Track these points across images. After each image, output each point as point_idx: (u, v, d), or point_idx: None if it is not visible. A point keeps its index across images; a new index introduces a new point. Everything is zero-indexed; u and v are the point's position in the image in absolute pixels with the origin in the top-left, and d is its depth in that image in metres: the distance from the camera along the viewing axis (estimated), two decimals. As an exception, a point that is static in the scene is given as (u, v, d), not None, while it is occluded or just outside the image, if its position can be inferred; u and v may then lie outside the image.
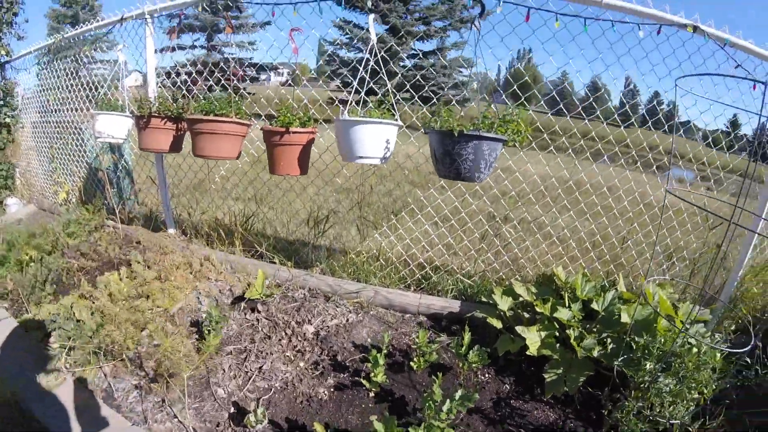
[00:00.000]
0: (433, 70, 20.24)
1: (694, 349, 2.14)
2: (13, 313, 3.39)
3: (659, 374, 2.13)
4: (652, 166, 3.67)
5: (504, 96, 3.58)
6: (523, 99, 3.33)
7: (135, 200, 5.25)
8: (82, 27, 4.53)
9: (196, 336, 2.90)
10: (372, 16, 2.96)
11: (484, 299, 3.18)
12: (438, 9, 24.69)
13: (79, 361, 2.74)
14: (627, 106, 3.69)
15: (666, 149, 3.64)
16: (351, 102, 2.72)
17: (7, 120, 5.76)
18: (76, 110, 5.13)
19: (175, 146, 3.35)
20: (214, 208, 4.61)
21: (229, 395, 2.57)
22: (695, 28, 2.72)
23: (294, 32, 3.15)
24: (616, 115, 3.59)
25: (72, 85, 5.12)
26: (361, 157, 2.56)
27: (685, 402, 2.08)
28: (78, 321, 2.89)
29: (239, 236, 3.89)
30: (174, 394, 2.53)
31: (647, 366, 2.17)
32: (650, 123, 3.67)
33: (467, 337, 2.68)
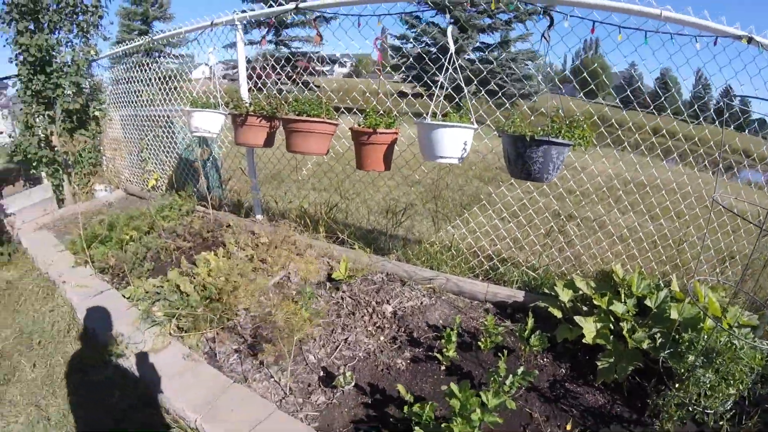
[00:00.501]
0: (498, 64, 20.24)
1: (734, 347, 2.27)
2: (115, 285, 3.82)
3: (700, 367, 2.29)
4: (719, 164, 3.65)
5: (573, 84, 3.71)
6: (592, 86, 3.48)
7: (222, 188, 5.74)
8: (171, 29, 4.90)
9: (288, 308, 3.25)
10: (450, 27, 3.24)
11: (546, 291, 3.40)
12: (502, 1, 24.46)
13: (184, 328, 3.14)
14: (696, 105, 3.75)
15: (734, 148, 3.64)
16: (432, 105, 3.02)
17: (97, 113, 6.33)
18: (163, 103, 5.65)
19: (268, 142, 3.75)
20: (297, 197, 4.95)
21: (318, 361, 2.94)
22: (750, 39, 2.79)
23: (377, 41, 3.47)
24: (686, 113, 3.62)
25: (156, 80, 5.63)
26: (441, 157, 2.87)
27: (721, 395, 2.24)
28: (182, 293, 3.29)
29: (323, 224, 4.26)
30: (270, 357, 2.90)
31: (689, 358, 2.35)
32: (718, 120, 3.46)
33: (530, 322, 2.94)
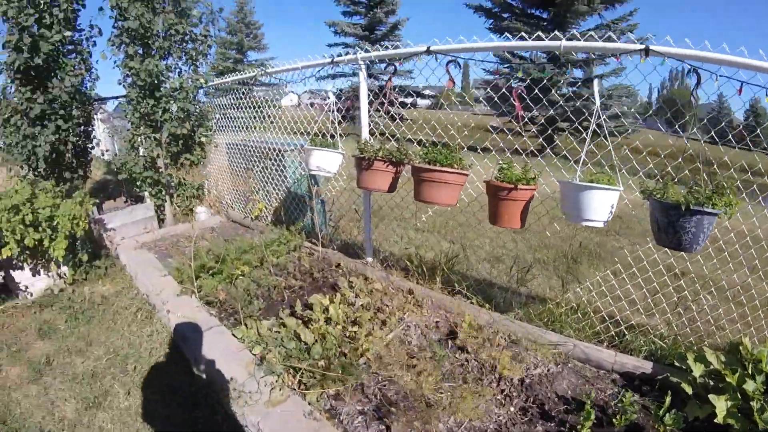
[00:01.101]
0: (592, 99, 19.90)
1: None
2: (224, 322, 3.74)
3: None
4: None
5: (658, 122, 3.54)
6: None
7: (327, 225, 5.73)
8: (284, 65, 4.97)
9: (412, 368, 3.10)
10: (597, 82, 3.03)
11: (675, 363, 3.18)
12: (596, 35, 24.25)
13: (305, 382, 3.02)
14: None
15: None
16: (581, 161, 2.84)
17: (203, 139, 6.48)
18: (268, 132, 5.74)
19: (392, 187, 3.66)
20: (401, 237, 4.85)
21: (449, 430, 2.75)
22: None
23: (450, 64, 3.34)
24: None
25: (255, 107, 5.72)
26: (588, 220, 2.77)
27: None
28: (300, 341, 3.19)
29: (440, 274, 4.10)
30: (398, 425, 2.74)
31: None
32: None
33: (668, 400, 2.73)
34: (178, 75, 6.17)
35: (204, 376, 3.21)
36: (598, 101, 2.93)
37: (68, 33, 5.58)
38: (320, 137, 4.15)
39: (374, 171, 3.54)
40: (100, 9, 5.73)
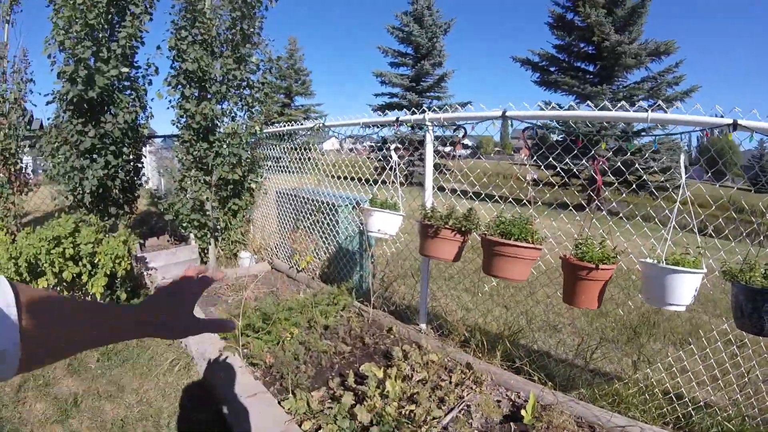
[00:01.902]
0: (640, 155, 19.83)
1: None
2: (267, 385, 3.51)
3: None
4: None
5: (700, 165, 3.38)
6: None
7: (380, 286, 5.54)
8: (346, 119, 4.93)
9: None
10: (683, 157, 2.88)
11: None
12: (643, 87, 24.56)
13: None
14: None
15: None
16: (665, 245, 2.66)
17: (252, 185, 6.45)
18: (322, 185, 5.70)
19: (458, 256, 3.50)
20: (454, 300, 4.68)
21: None
22: None
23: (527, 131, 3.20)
24: None
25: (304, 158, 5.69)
26: (671, 304, 2.61)
27: None
28: (355, 420, 2.99)
29: (501, 347, 3.90)
30: None
31: None
32: None
33: None
34: (233, 120, 6.19)
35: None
36: (684, 176, 2.75)
37: (125, 69, 5.65)
38: (376, 191, 4.05)
39: (441, 239, 3.39)
40: (158, 48, 5.83)
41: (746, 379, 3.79)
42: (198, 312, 4.76)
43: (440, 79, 32.26)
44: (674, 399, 3.45)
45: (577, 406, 3.33)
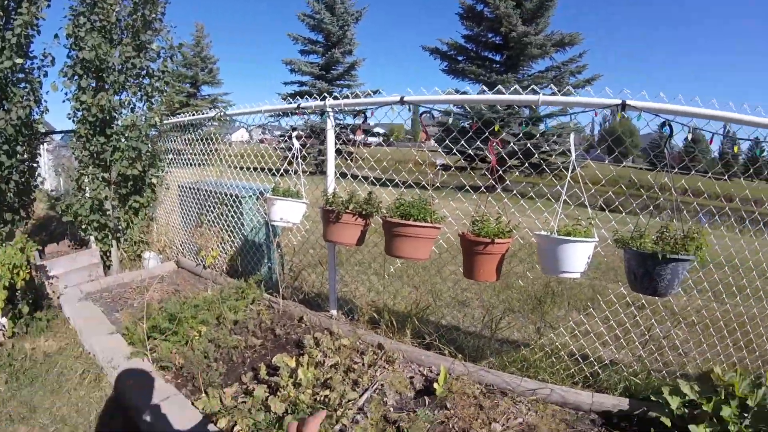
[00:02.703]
0: (543, 138, 20.65)
1: None
2: (179, 387, 3.42)
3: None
4: (760, 223, 3.62)
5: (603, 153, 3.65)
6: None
7: (288, 275, 5.44)
8: (247, 108, 4.78)
9: (392, 432, 2.91)
10: (573, 136, 3.03)
11: (652, 398, 3.24)
12: (547, 76, 25.84)
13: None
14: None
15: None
16: (557, 217, 2.78)
17: (154, 180, 6.12)
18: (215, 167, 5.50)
19: (361, 240, 3.51)
20: (365, 285, 4.69)
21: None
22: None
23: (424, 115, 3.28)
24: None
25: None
26: (565, 272, 2.75)
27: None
28: (270, 412, 2.94)
29: (411, 325, 3.94)
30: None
31: None
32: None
33: None
34: (132, 111, 5.83)
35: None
36: (574, 154, 2.90)
37: (19, 60, 5.13)
38: (279, 179, 3.98)
39: (343, 224, 3.37)
40: (56, 36, 5.34)
41: (647, 336, 4.08)
42: (102, 318, 4.52)
43: (350, 67, 32.25)
44: (580, 360, 3.66)
45: (488, 374, 3.46)
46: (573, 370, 3.63)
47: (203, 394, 3.20)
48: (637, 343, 3.95)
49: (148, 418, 3.08)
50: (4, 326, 4.34)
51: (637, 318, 3.99)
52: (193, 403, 3.14)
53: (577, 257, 2.69)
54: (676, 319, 4.47)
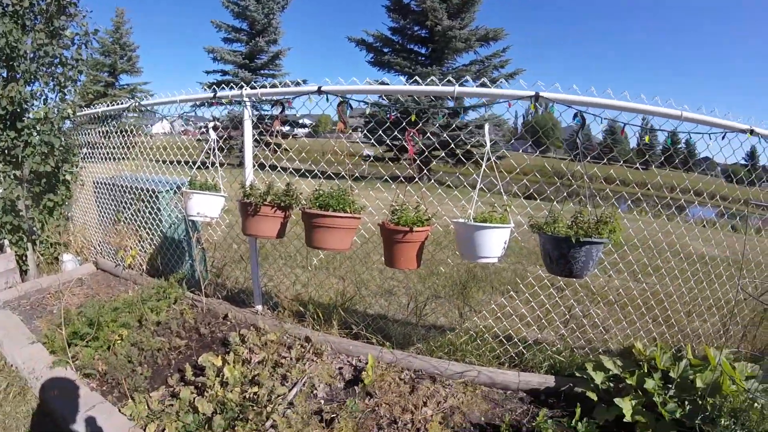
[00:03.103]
0: (467, 131, 20.96)
1: (755, 404, 2.66)
2: (108, 397, 3.26)
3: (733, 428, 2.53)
4: (672, 207, 3.80)
5: (528, 145, 3.88)
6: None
7: (211, 272, 5.30)
8: (162, 97, 4.58)
9: (323, 426, 2.90)
10: (488, 126, 3.07)
11: (577, 374, 3.39)
12: (471, 69, 26.48)
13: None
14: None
15: (685, 189, 3.80)
16: (474, 205, 2.83)
17: (68, 177, 5.79)
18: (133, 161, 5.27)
19: (281, 233, 3.46)
20: (284, 276, 4.63)
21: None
22: (752, 131, 3.22)
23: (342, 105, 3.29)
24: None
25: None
26: (482, 257, 2.82)
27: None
28: (198, 413, 2.87)
29: (337, 316, 3.93)
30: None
31: (722, 422, 2.60)
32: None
33: (578, 411, 2.92)
34: (44, 103, 5.47)
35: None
36: (488, 144, 2.97)
37: None
38: (197, 172, 3.86)
39: (261, 217, 3.30)
40: None
41: (568, 316, 4.25)
42: (22, 327, 4.28)
43: (275, 56, 31.52)
44: (505, 341, 3.79)
45: (416, 360, 3.52)
46: (498, 351, 3.74)
47: (130, 400, 3.09)
48: (558, 322, 4.10)
49: (76, 428, 2.95)
50: None
51: (557, 299, 4.13)
52: (120, 410, 3.03)
53: (494, 243, 2.75)
54: (595, 299, 4.72)
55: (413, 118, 3.15)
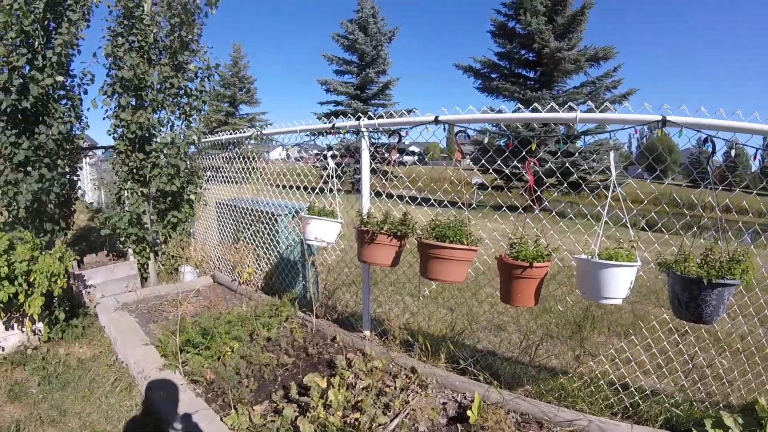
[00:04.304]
0: (581, 156, 20.30)
1: None
2: (212, 405, 3.38)
3: None
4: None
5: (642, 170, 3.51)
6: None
7: (322, 294, 5.46)
8: (282, 127, 4.85)
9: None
10: (613, 154, 2.96)
11: (694, 430, 3.08)
12: (582, 92, 25.25)
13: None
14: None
15: None
16: (598, 240, 2.69)
17: (192, 197, 6.24)
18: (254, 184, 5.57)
19: (395, 261, 3.47)
20: (399, 306, 4.63)
21: None
22: None
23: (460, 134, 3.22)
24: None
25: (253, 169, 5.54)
26: (606, 298, 2.62)
27: None
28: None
29: (445, 349, 3.87)
30: None
31: None
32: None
33: None
34: (170, 129, 6.01)
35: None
36: (614, 173, 2.79)
37: (60, 78, 5.31)
38: (315, 198, 3.99)
39: (377, 245, 3.34)
40: (94, 55, 5.53)
41: (690, 365, 3.91)
42: (137, 329, 4.59)
43: (385, 86, 32.34)
44: (620, 389, 3.51)
45: (524, 402, 3.34)
46: (612, 400, 3.49)
47: (233, 411, 3.18)
48: (680, 372, 3.78)
49: (176, 430, 3.09)
50: (40, 331, 4.49)
51: (681, 346, 3.81)
52: (221, 419, 3.13)
53: (620, 282, 2.57)
54: (720, 347, 4.31)
55: (533, 147, 3.07)
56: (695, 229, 2.96)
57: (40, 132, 5.22)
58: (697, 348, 3.86)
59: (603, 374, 3.73)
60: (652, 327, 3.76)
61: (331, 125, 4.04)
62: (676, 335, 3.73)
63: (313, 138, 4.73)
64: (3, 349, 4.32)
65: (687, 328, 4.04)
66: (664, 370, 3.78)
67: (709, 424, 2.98)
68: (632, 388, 3.50)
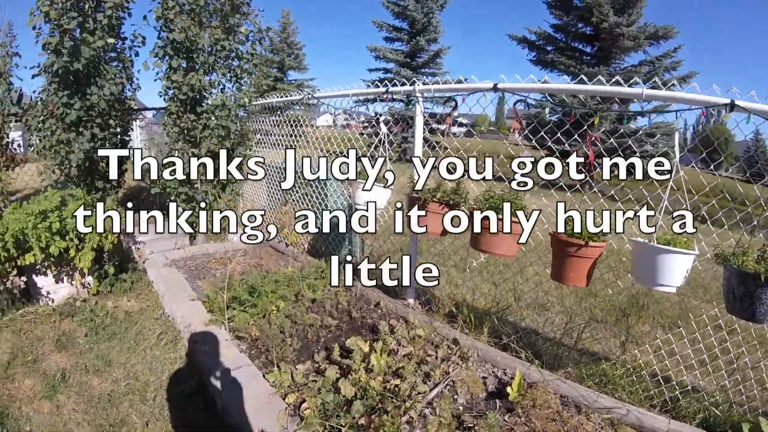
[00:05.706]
0: (635, 138, 19.63)
1: None
2: (252, 358, 3.49)
3: None
4: None
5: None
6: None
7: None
8: (335, 90, 4.86)
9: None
10: (677, 134, 2.83)
11: None
12: (640, 71, 24.05)
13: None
14: None
15: None
16: (657, 224, 2.62)
17: (241, 159, 6.32)
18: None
19: (446, 231, 3.43)
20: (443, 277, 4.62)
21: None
22: None
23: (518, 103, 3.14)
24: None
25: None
26: (661, 285, 2.57)
27: None
28: (340, 394, 2.94)
29: (488, 324, 3.87)
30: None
31: None
32: None
33: None
34: (221, 92, 6.09)
35: (229, 420, 2.98)
36: (678, 156, 2.71)
37: (111, 40, 5.47)
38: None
39: (430, 213, 3.34)
40: (144, 18, 5.64)
41: (735, 365, 3.80)
42: (185, 284, 4.72)
43: (435, 55, 31.75)
44: (662, 382, 3.45)
45: (564, 384, 3.31)
46: (653, 391, 3.43)
47: (275, 368, 3.26)
48: (723, 371, 3.68)
49: (218, 384, 3.19)
50: (89, 284, 4.68)
51: (727, 344, 3.72)
52: (264, 376, 3.22)
53: (677, 270, 2.51)
54: (766, 350, 4.17)
55: (596, 121, 2.98)
56: (755, 223, 2.85)
57: (92, 93, 5.39)
58: (743, 348, 3.74)
59: (646, 364, 3.67)
60: (700, 321, 3.68)
61: (385, 90, 4.01)
62: (723, 332, 3.64)
63: (361, 104, 4.73)
64: (53, 301, 4.53)
65: (737, 326, 3.92)
66: (707, 367, 3.69)
67: (746, 428, 2.92)
68: (674, 382, 3.45)
